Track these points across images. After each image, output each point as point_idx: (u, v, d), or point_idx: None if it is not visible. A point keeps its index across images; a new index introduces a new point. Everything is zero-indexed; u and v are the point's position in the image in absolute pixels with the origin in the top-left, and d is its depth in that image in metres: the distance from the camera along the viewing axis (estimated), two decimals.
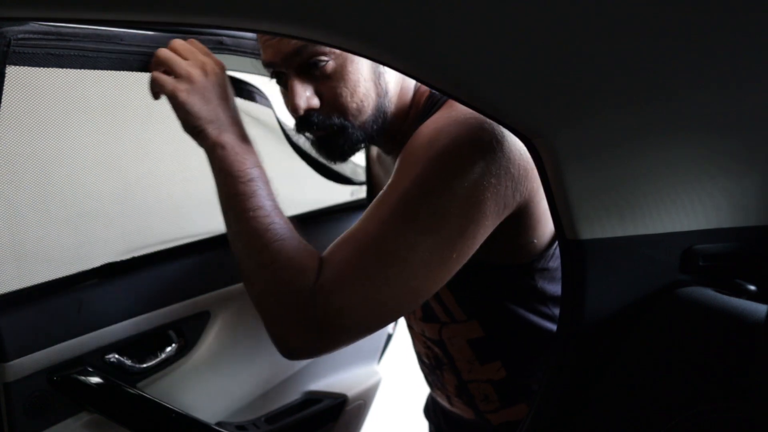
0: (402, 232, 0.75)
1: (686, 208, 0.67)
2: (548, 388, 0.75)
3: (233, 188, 0.83)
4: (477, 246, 0.78)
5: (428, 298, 0.82)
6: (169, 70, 0.86)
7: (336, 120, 0.86)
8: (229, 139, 0.84)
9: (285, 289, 0.78)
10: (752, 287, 0.67)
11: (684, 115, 0.60)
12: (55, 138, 1.01)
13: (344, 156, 0.91)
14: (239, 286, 1.22)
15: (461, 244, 0.76)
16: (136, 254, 1.11)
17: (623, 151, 0.63)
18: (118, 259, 1.08)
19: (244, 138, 0.87)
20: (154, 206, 1.20)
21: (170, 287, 1.13)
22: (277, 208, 0.84)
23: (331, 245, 0.82)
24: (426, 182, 0.76)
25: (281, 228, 0.81)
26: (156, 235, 1.16)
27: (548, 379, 0.75)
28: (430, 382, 1.15)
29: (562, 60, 0.55)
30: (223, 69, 0.89)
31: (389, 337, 1.71)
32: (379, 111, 0.88)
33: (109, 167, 1.11)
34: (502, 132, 0.75)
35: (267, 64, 0.87)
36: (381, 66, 0.86)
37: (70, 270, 1.02)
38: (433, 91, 0.88)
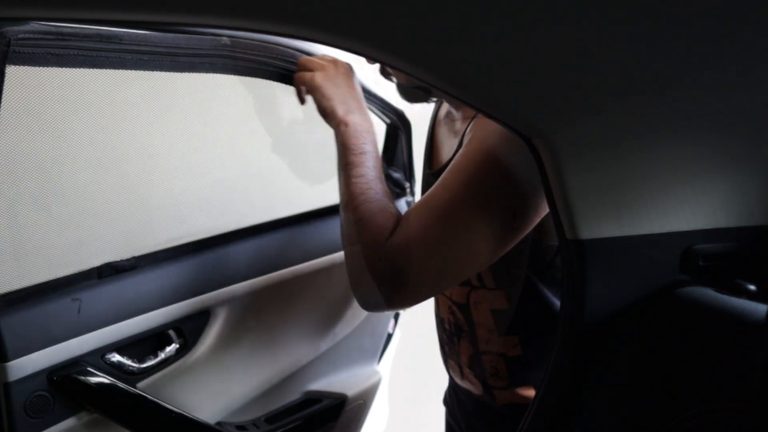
0: (469, 201, 0.82)
1: (686, 207, 0.67)
2: (548, 387, 0.75)
3: (346, 158, 0.97)
4: (540, 216, 0.85)
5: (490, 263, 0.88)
6: (309, 68, 1.07)
7: None
8: (352, 119, 1.00)
9: (364, 244, 0.88)
10: (752, 287, 0.67)
11: (684, 114, 0.60)
12: (54, 137, 1.01)
13: (420, 98, 1.01)
14: (239, 285, 1.22)
15: (524, 214, 0.83)
16: (136, 254, 1.11)
17: (623, 150, 0.63)
18: (118, 258, 1.08)
19: (365, 120, 1.02)
20: (155, 206, 1.20)
21: (170, 287, 1.13)
22: (378, 178, 0.96)
23: (409, 207, 0.89)
24: (489, 158, 0.82)
25: (375, 193, 0.92)
26: (156, 235, 1.16)
27: (548, 378, 0.75)
28: (446, 351, 1.19)
29: (561, 59, 0.55)
30: (351, 67, 1.09)
31: (389, 337, 1.71)
32: None
33: (109, 166, 1.11)
34: None
35: None
36: None
37: (70, 270, 1.02)
38: None
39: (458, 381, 1.17)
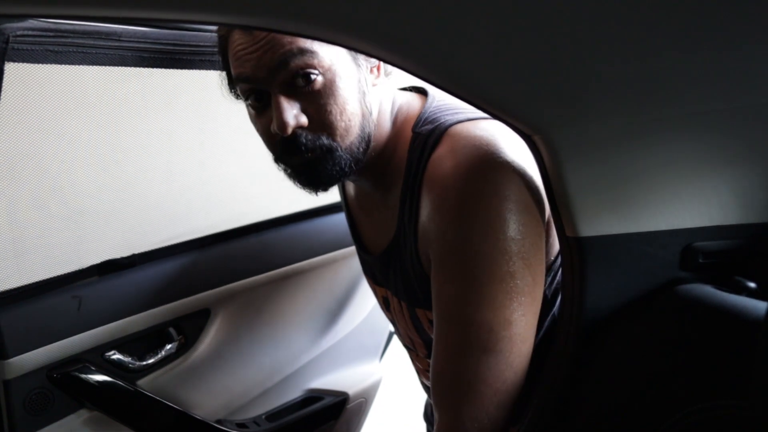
0: (492, 316, 0.73)
1: (686, 205, 0.67)
2: (548, 384, 0.75)
3: None
4: (544, 277, 0.78)
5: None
6: None
7: (325, 140, 0.79)
8: None
9: None
10: (752, 284, 0.67)
11: (684, 112, 0.60)
12: (54, 134, 1.01)
13: (331, 182, 0.84)
14: (239, 283, 1.22)
15: (536, 287, 0.76)
16: (136, 251, 1.11)
17: (623, 148, 0.63)
18: (117, 256, 1.08)
19: None
20: (154, 203, 1.20)
21: (170, 284, 1.13)
22: None
23: (434, 377, 0.79)
24: (486, 258, 0.73)
25: None
26: (156, 232, 1.16)
27: (548, 375, 0.75)
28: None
29: (562, 58, 0.55)
30: None
31: (391, 334, 1.71)
32: (364, 132, 0.83)
33: (108, 164, 1.11)
34: (512, 162, 0.74)
35: (244, 79, 0.79)
36: (365, 85, 0.82)
37: (69, 267, 1.02)
38: (417, 128, 0.84)
39: None
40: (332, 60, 0.77)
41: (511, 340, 0.73)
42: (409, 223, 0.84)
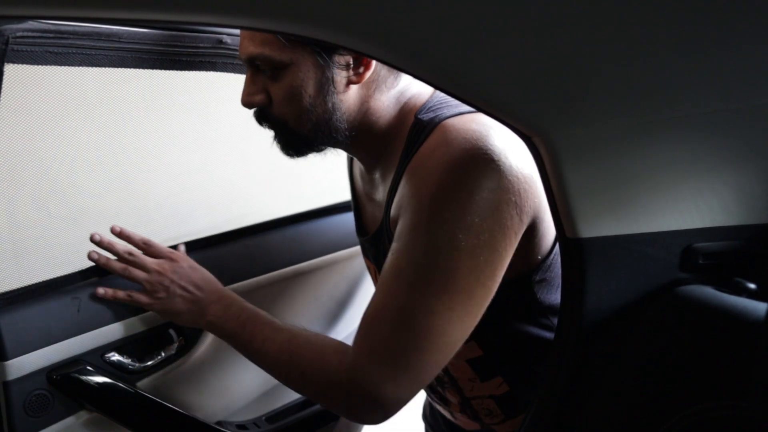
0: (420, 301, 0.78)
1: (686, 205, 0.67)
2: (548, 386, 0.75)
3: (238, 342, 0.94)
4: (499, 279, 0.80)
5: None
6: (135, 279, 1.00)
7: (279, 119, 0.89)
8: (210, 315, 0.97)
9: (328, 393, 0.85)
10: (752, 286, 0.67)
11: (684, 113, 0.60)
12: (54, 136, 1.01)
13: (297, 152, 0.93)
14: (240, 284, 1.22)
15: (481, 288, 0.79)
16: (136, 252, 1.11)
17: (623, 148, 0.63)
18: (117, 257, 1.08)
19: (220, 299, 0.98)
20: (154, 204, 1.20)
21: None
22: (279, 328, 0.92)
23: (358, 330, 0.85)
24: (432, 242, 0.77)
25: (295, 345, 0.88)
26: (155, 233, 1.16)
27: (548, 377, 0.75)
28: (433, 398, 1.14)
29: (561, 58, 0.55)
30: (177, 258, 1.03)
31: None
32: (323, 126, 0.88)
33: (108, 165, 1.11)
34: (497, 159, 0.76)
35: (239, 55, 0.90)
36: (330, 84, 0.86)
37: (69, 268, 1.02)
38: (420, 114, 0.87)
39: (450, 419, 1.14)
40: (293, 58, 0.83)
41: (428, 328, 0.78)
42: (388, 206, 0.88)
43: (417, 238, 0.79)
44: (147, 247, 1.04)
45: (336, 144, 0.93)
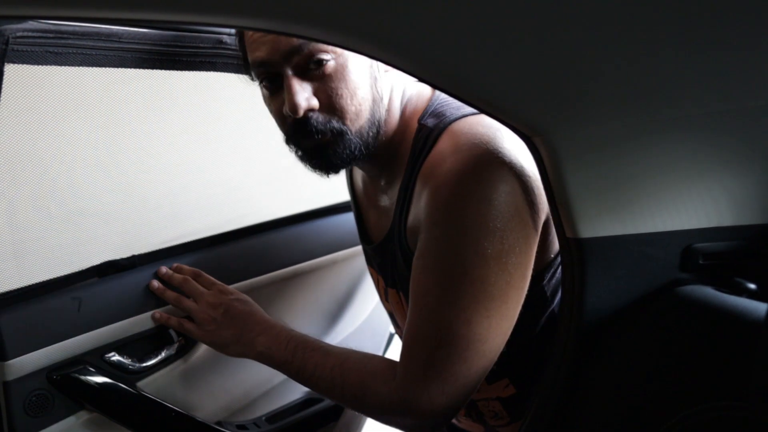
0: (456, 313, 0.77)
1: (686, 206, 0.67)
2: (548, 385, 0.75)
3: (290, 370, 0.94)
4: (529, 278, 0.80)
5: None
6: (184, 308, 1.03)
7: (335, 124, 0.81)
8: (259, 345, 0.96)
9: (384, 415, 0.86)
10: (752, 286, 0.67)
11: (684, 113, 0.60)
12: (54, 136, 1.00)
13: (341, 165, 0.86)
14: (240, 285, 1.22)
15: (514, 290, 0.78)
16: (137, 252, 1.11)
17: (623, 149, 0.63)
18: (118, 257, 1.08)
19: (267, 330, 0.98)
20: (154, 204, 1.20)
21: (170, 285, 1.12)
22: (328, 352, 0.92)
23: (401, 351, 0.85)
24: (459, 254, 0.77)
25: (346, 370, 0.88)
26: (156, 233, 1.16)
27: (548, 376, 0.75)
28: None
29: (562, 59, 0.55)
30: (225, 291, 1.03)
31: (391, 336, 1.71)
32: (374, 118, 0.84)
33: (108, 165, 1.11)
34: (509, 162, 0.75)
35: (260, 64, 0.81)
36: (376, 70, 0.84)
37: (69, 268, 1.02)
38: (423, 119, 0.86)
39: (455, 422, 1.13)
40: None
41: (468, 338, 0.77)
42: (401, 215, 0.86)
43: (442, 252, 0.78)
44: (197, 278, 1.06)
45: (369, 148, 0.87)
